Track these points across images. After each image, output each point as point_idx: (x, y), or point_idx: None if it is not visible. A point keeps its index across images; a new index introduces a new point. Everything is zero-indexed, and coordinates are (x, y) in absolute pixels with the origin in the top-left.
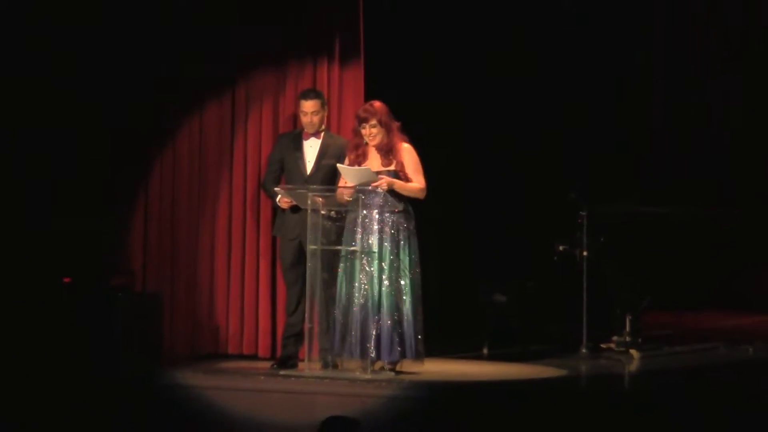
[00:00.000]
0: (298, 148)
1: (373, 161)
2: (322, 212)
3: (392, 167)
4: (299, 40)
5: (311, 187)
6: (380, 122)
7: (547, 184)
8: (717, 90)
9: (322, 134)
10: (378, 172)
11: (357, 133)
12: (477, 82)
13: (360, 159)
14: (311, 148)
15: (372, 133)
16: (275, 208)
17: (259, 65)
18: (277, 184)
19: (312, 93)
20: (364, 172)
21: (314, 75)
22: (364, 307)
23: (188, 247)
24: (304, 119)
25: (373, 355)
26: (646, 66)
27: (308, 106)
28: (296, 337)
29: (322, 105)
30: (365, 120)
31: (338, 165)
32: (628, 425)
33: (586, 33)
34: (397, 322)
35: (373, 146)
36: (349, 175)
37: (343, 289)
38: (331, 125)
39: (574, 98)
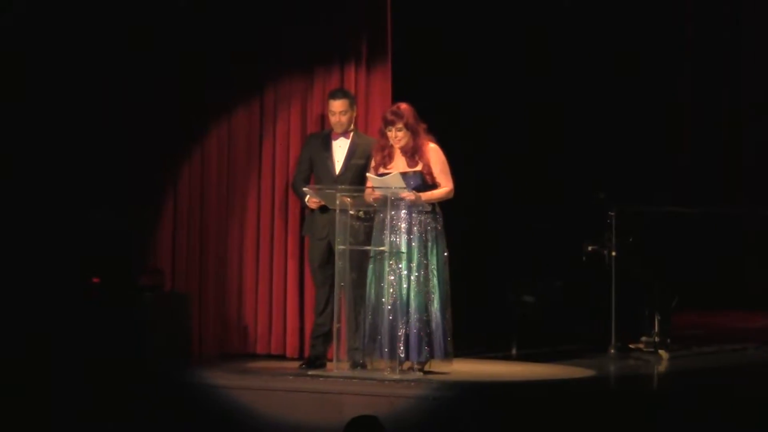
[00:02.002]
0: (327, 148)
1: (399, 162)
2: (351, 212)
3: (418, 168)
4: (327, 42)
5: (340, 187)
6: (406, 125)
7: (576, 184)
8: (748, 89)
9: (351, 134)
10: (404, 174)
11: (383, 135)
12: (504, 81)
13: (386, 160)
14: (340, 148)
15: (398, 136)
16: (304, 208)
17: (286, 67)
18: (307, 184)
19: (340, 92)
20: (393, 178)
21: (342, 76)
22: (393, 307)
23: (217, 247)
24: (333, 119)
25: (402, 355)
26: (676, 64)
27: (337, 105)
28: (325, 336)
29: (351, 105)
30: (391, 123)
31: (368, 175)
32: (657, 426)
33: (614, 31)
34: (426, 322)
35: (399, 149)
36: (379, 185)
37: (372, 290)
38: (358, 126)
39: (601, 97)
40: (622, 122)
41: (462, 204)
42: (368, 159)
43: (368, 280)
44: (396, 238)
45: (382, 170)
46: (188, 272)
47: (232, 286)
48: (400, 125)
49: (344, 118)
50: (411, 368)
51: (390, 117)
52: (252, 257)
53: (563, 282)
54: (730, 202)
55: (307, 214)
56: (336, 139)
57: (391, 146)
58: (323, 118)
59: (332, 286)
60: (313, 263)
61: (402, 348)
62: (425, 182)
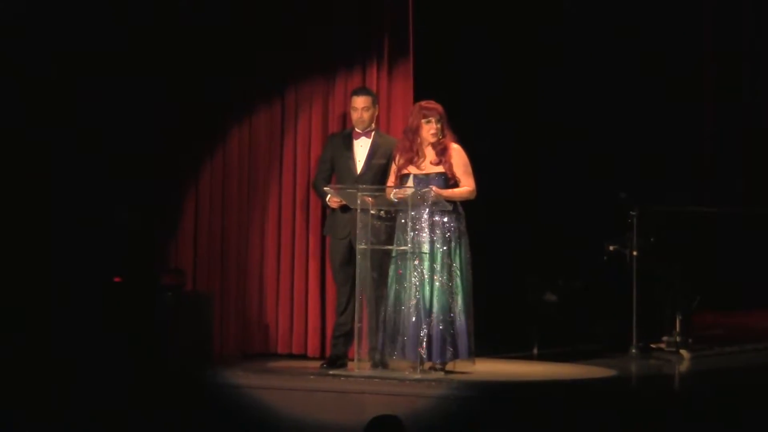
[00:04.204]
0: (349, 148)
1: (425, 162)
2: (372, 212)
3: (441, 169)
4: (348, 41)
5: (361, 186)
6: (441, 119)
7: (597, 184)
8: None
9: (373, 133)
10: (426, 175)
11: (410, 134)
12: (525, 79)
13: (415, 159)
14: (361, 148)
15: (437, 128)
16: (325, 208)
17: (308, 66)
18: (328, 183)
19: (363, 90)
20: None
21: (363, 75)
22: (415, 307)
23: (238, 247)
24: (355, 115)
25: (425, 355)
26: (698, 64)
27: (359, 101)
28: (346, 336)
29: (373, 102)
30: (432, 113)
31: (389, 186)
32: (678, 426)
33: (637, 31)
34: (450, 323)
35: (431, 142)
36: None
37: (393, 289)
38: (380, 126)
39: (624, 97)
40: (644, 121)
41: (483, 204)
42: (389, 159)
43: (389, 280)
44: (418, 238)
45: (411, 169)
46: (209, 272)
47: (253, 286)
48: (438, 117)
49: (366, 115)
50: (432, 368)
51: (432, 106)
52: (273, 257)
53: (584, 281)
54: (752, 202)
55: (328, 213)
56: (357, 138)
57: (419, 144)
58: (345, 118)
59: (353, 285)
60: (334, 263)
61: (425, 348)
62: (447, 184)
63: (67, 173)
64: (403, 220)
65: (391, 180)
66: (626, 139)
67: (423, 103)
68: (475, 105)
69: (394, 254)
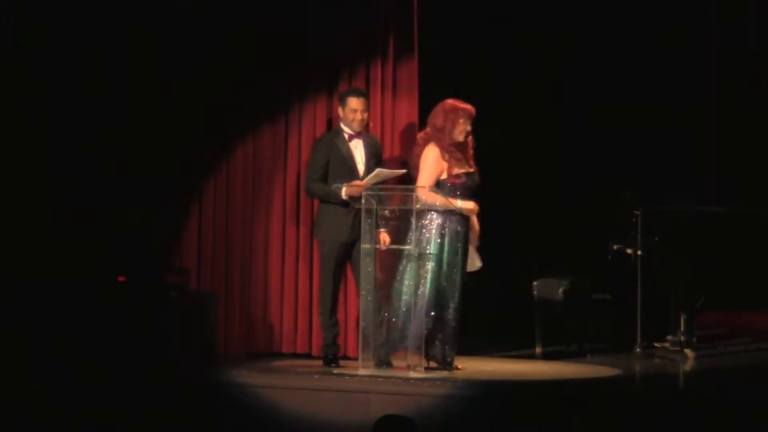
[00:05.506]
0: (346, 150)
1: (469, 162)
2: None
3: (473, 170)
4: (353, 39)
5: (368, 186)
6: (472, 122)
7: (602, 183)
8: None
9: (362, 134)
10: (468, 174)
11: (447, 134)
12: (530, 79)
13: (455, 153)
14: (357, 150)
15: (468, 130)
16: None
17: (312, 64)
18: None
19: (360, 91)
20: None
21: (367, 74)
22: (428, 306)
23: (243, 247)
24: (354, 116)
25: (440, 354)
26: (702, 65)
27: (359, 103)
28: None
29: (368, 103)
30: (467, 114)
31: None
32: (683, 425)
33: (640, 33)
34: (461, 320)
35: (459, 142)
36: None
37: (398, 289)
38: (385, 124)
39: (627, 97)
40: (648, 121)
41: (488, 203)
42: (379, 159)
43: (396, 280)
44: (424, 238)
45: (466, 168)
46: (214, 271)
47: (257, 285)
48: (471, 119)
49: (366, 116)
50: (437, 367)
51: (466, 107)
52: (277, 256)
53: (589, 281)
54: (757, 202)
55: (327, 217)
56: (351, 140)
57: (458, 144)
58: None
59: (338, 285)
60: (329, 263)
61: (439, 346)
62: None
63: (71, 171)
64: (408, 220)
65: (428, 180)
66: (628, 139)
67: (458, 103)
68: (478, 105)
69: (405, 254)
